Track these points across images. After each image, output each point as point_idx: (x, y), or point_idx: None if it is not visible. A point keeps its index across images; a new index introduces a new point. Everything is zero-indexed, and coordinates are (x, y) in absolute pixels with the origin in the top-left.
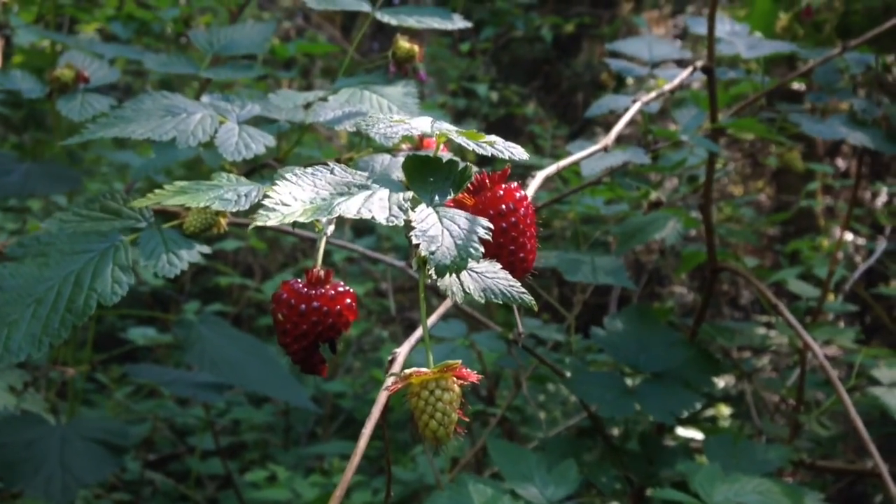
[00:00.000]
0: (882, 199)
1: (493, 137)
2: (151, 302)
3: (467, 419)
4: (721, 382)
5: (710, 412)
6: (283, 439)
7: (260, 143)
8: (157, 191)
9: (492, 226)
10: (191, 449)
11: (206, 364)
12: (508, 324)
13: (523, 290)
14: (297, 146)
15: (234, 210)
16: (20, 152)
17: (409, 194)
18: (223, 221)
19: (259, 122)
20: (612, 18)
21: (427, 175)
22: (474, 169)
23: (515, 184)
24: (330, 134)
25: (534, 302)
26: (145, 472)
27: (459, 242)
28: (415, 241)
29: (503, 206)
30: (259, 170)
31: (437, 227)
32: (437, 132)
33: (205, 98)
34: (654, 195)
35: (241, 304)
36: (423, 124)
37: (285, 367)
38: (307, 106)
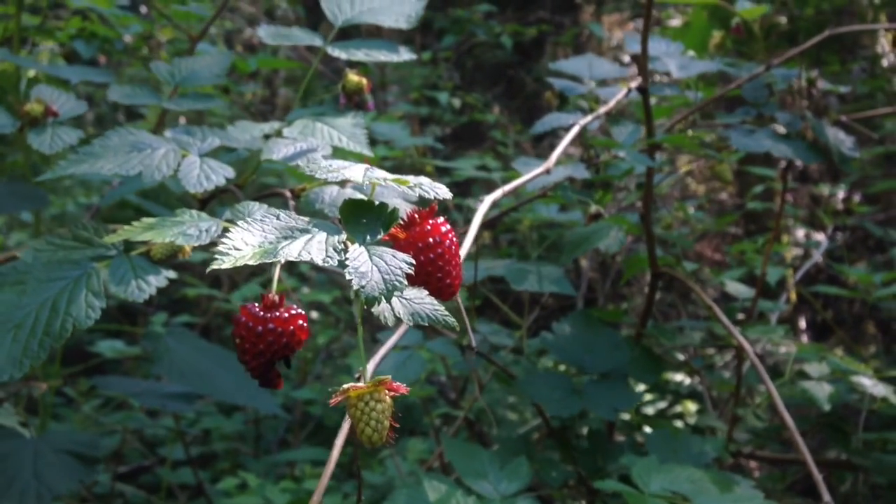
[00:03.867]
0: (841, 196)
1: (420, 179)
2: (119, 314)
3: (398, 425)
4: (687, 380)
5: (678, 409)
6: (253, 448)
7: (220, 174)
8: (126, 227)
9: (413, 261)
10: (161, 460)
11: (174, 375)
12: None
13: (447, 313)
14: (268, 172)
15: (195, 245)
16: None
17: (344, 236)
18: (188, 248)
19: (220, 150)
20: (573, 23)
21: (360, 217)
22: (402, 210)
23: (442, 219)
24: None
25: (456, 324)
26: (116, 485)
27: (387, 277)
28: (347, 278)
29: (430, 240)
30: (219, 195)
31: (367, 265)
32: (368, 181)
33: (168, 133)
34: (594, 208)
35: (209, 315)
36: (356, 173)
37: None
38: (266, 137)
